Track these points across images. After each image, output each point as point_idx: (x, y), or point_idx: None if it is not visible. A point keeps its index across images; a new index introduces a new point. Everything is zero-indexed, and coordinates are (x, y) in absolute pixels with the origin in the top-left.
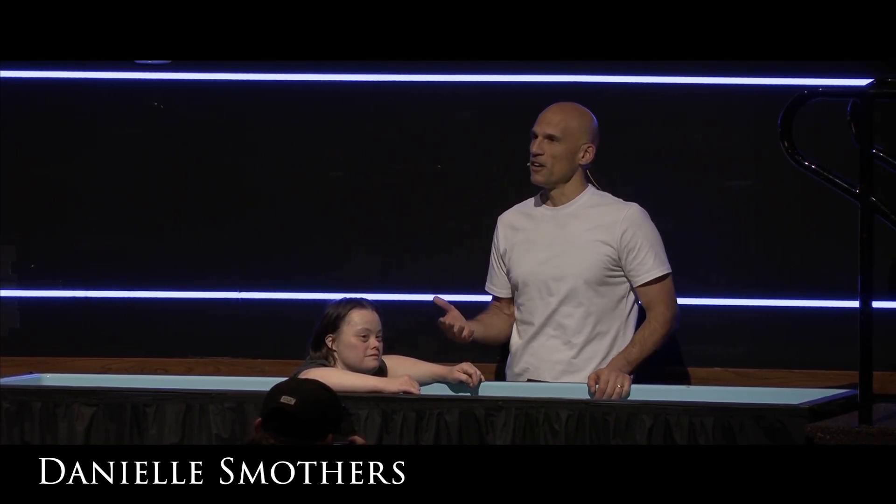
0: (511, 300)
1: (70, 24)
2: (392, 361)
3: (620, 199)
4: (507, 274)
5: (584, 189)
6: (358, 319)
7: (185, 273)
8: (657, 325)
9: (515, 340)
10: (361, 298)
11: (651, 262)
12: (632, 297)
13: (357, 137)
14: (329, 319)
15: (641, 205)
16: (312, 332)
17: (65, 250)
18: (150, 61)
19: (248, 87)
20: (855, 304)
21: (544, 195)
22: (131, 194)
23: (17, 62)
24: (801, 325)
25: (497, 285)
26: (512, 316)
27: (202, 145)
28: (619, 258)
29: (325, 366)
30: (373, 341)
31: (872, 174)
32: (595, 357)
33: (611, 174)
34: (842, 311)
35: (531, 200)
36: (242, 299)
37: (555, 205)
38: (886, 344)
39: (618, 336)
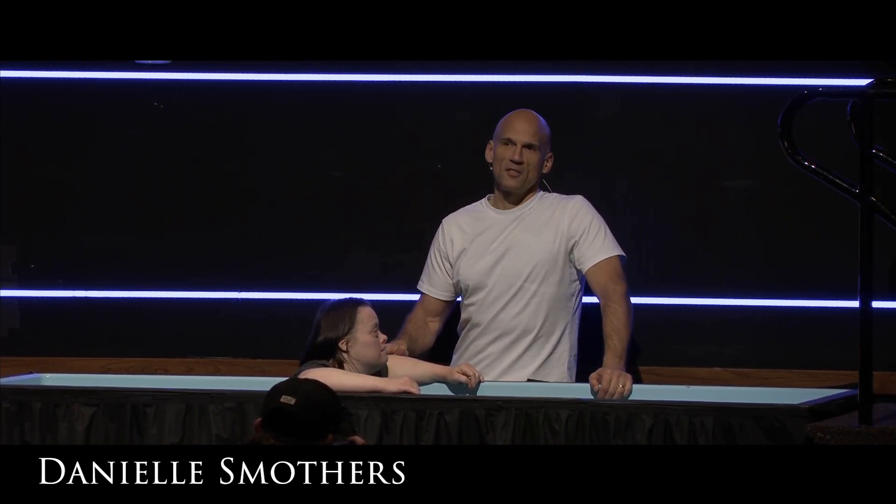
0: (444, 303)
1: (70, 24)
2: (392, 361)
3: (565, 195)
4: (453, 277)
5: (535, 193)
6: (366, 317)
7: (185, 273)
8: (617, 306)
9: (463, 340)
10: (358, 297)
11: (600, 244)
12: (580, 295)
13: (357, 137)
14: (339, 324)
15: (642, 205)
16: (311, 344)
17: (65, 250)
18: (150, 61)
19: (248, 87)
20: (855, 304)
21: (494, 199)
22: (131, 194)
23: (17, 62)
24: (801, 325)
25: (437, 286)
26: (436, 325)
27: (202, 145)
28: (570, 249)
29: (325, 366)
30: (381, 335)
31: (872, 174)
32: (539, 355)
33: (611, 174)
34: (842, 311)
35: (478, 204)
36: (242, 299)
37: (505, 209)
38: (886, 344)
39: (564, 334)
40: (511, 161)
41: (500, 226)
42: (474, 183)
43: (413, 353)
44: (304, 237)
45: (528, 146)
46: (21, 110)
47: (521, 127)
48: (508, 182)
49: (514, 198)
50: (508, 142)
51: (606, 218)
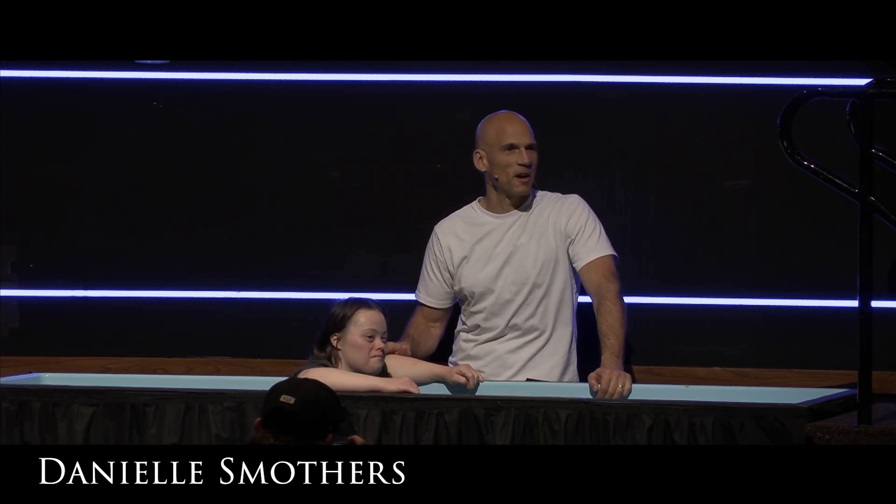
0: (443, 310)
1: (70, 24)
2: (392, 361)
3: (560, 193)
4: (454, 285)
5: (531, 193)
6: (364, 320)
7: (185, 273)
8: (611, 305)
9: (468, 342)
10: (368, 299)
11: (594, 243)
12: (578, 293)
13: (357, 137)
14: (335, 319)
15: (642, 205)
16: (317, 332)
17: (65, 250)
18: (150, 61)
19: (247, 87)
20: (855, 304)
21: (487, 203)
22: (131, 194)
23: (17, 62)
24: (800, 325)
25: (434, 296)
26: (438, 330)
27: (202, 145)
28: (567, 247)
29: (325, 366)
30: (378, 342)
31: (872, 174)
32: (555, 354)
33: (610, 174)
34: (842, 311)
35: (469, 209)
36: (242, 299)
37: (503, 213)
38: (886, 344)
39: (573, 332)
40: (520, 165)
41: (500, 231)
42: (474, 183)
43: (417, 356)
44: (304, 237)
45: (530, 146)
46: (21, 110)
47: (518, 129)
48: (521, 189)
49: (514, 200)
50: (511, 147)
51: (605, 218)
